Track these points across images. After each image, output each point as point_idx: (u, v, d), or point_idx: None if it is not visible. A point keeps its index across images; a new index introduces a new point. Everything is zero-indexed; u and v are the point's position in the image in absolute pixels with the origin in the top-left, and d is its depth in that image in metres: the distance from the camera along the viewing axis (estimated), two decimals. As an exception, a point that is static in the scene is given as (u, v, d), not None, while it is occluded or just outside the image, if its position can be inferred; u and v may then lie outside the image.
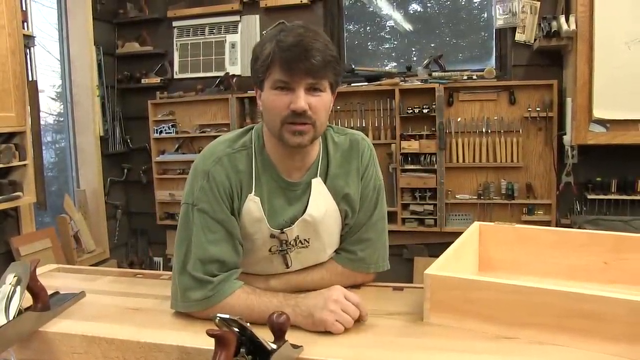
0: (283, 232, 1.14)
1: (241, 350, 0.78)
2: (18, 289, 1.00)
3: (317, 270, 1.20)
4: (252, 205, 1.11)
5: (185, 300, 1.07)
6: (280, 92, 1.04)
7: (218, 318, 0.75)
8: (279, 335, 0.85)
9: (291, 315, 0.91)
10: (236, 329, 0.76)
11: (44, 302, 1.06)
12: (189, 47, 3.72)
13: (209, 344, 0.75)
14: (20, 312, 1.00)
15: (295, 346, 0.89)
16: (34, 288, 1.04)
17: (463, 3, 3.52)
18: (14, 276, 1.01)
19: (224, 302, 1.05)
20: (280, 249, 1.15)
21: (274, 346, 0.83)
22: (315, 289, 1.09)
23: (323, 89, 1.06)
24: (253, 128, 1.18)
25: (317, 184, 1.16)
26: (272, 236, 1.14)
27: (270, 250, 1.16)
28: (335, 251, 1.23)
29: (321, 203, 1.15)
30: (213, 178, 1.09)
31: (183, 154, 3.67)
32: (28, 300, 1.04)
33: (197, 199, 1.09)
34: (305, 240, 1.17)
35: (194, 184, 1.11)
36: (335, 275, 1.19)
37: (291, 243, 1.16)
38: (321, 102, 1.06)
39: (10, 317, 0.97)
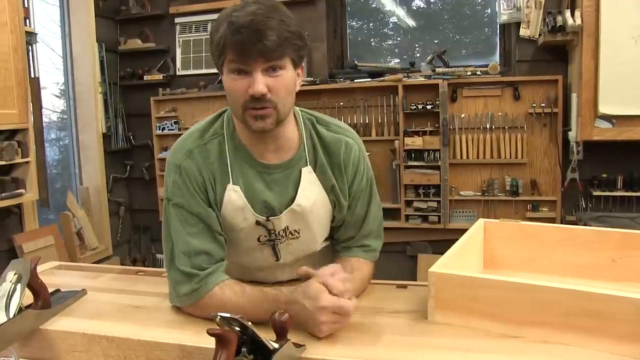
0: (269, 220, 1.12)
1: (243, 349, 0.77)
2: (18, 286, 1.00)
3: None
4: (233, 194, 1.09)
5: (176, 295, 1.07)
6: (237, 76, 1.00)
7: (219, 317, 0.74)
8: (281, 334, 0.84)
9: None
10: (237, 328, 0.75)
11: (45, 300, 1.06)
12: (192, 43, 3.71)
13: (210, 343, 0.74)
14: (20, 310, 0.99)
15: (297, 345, 0.88)
16: (34, 286, 1.04)
17: (467, -2, 3.50)
18: (15, 274, 1.01)
19: (211, 294, 1.04)
20: (269, 238, 1.14)
21: (276, 345, 0.82)
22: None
23: (283, 67, 1.00)
24: (225, 112, 1.15)
25: (307, 172, 1.13)
26: (258, 223, 1.12)
27: (259, 240, 1.14)
28: (348, 248, 1.21)
29: (310, 193, 1.13)
30: (185, 172, 1.08)
31: (186, 150, 3.66)
32: (29, 298, 1.03)
33: (171, 194, 1.08)
34: (295, 231, 1.15)
35: (168, 179, 1.10)
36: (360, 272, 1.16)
37: (280, 234, 1.14)
38: (281, 82, 1.00)
39: (11, 315, 0.97)
